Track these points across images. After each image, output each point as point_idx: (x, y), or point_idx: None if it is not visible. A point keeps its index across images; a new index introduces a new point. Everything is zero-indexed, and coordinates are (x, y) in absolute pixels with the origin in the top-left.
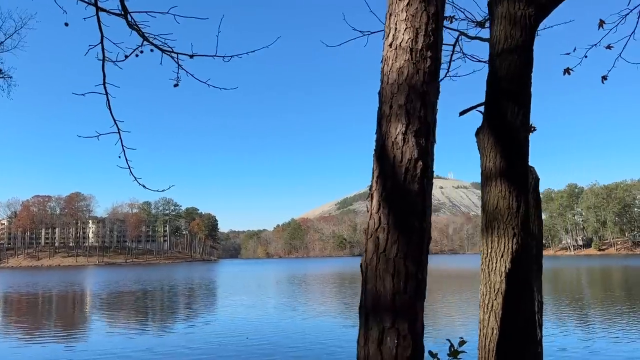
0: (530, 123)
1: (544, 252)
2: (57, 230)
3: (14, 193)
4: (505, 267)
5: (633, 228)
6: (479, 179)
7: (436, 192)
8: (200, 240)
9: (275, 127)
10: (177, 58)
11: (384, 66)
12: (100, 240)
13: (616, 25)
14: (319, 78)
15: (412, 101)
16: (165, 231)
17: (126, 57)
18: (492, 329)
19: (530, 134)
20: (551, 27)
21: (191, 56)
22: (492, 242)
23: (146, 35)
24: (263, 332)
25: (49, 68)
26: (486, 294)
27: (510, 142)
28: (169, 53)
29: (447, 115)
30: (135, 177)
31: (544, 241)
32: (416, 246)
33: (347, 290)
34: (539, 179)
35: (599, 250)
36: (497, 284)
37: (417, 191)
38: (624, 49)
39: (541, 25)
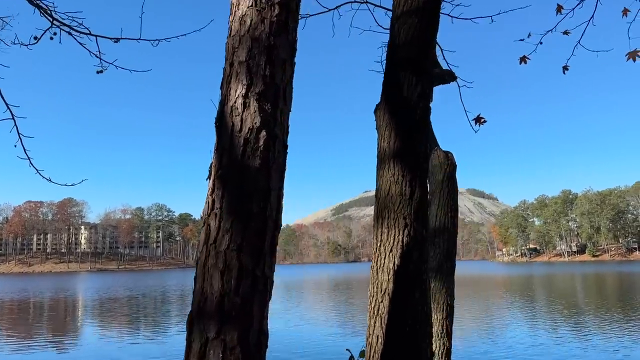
0: (480, 114)
1: (538, 259)
2: (49, 236)
3: (5, 198)
4: (394, 264)
5: (627, 234)
6: (474, 186)
7: None
8: (193, 246)
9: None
10: (97, 41)
11: (229, 16)
12: (92, 247)
13: (572, 10)
14: (315, 81)
15: (254, 57)
16: (158, 237)
17: (36, 39)
18: (377, 337)
19: (480, 125)
20: (506, 12)
21: (116, 40)
22: (381, 235)
23: (57, 17)
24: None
25: None
26: (373, 296)
27: (406, 119)
28: (85, 35)
29: (443, 120)
30: (37, 169)
31: (537, 247)
32: (255, 236)
33: (340, 297)
34: (455, 166)
35: (593, 256)
36: (385, 284)
37: (259, 167)
38: (582, 35)
39: (497, 11)
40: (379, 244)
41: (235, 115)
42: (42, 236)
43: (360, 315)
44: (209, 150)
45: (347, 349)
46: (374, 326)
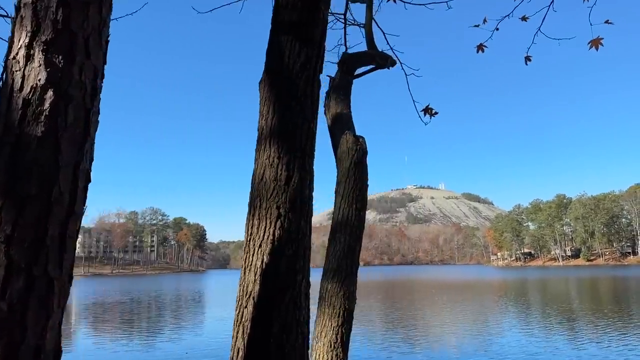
0: (429, 105)
1: (532, 263)
2: None
3: None
4: (263, 262)
5: (621, 239)
6: (470, 190)
7: (427, 203)
8: (188, 250)
9: None
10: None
11: None
12: (86, 251)
13: None
14: None
15: None
16: (152, 241)
17: None
18: (239, 349)
19: (431, 117)
20: None
21: None
22: (251, 228)
23: None
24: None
25: None
26: (238, 300)
27: (286, 91)
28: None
29: (440, 127)
30: None
31: (532, 251)
32: (32, 224)
33: None
34: (365, 152)
35: (588, 260)
36: (251, 285)
37: (41, 137)
38: (543, 21)
39: None
40: (248, 239)
41: (16, 71)
42: None
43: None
44: (206, 156)
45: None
46: (236, 336)
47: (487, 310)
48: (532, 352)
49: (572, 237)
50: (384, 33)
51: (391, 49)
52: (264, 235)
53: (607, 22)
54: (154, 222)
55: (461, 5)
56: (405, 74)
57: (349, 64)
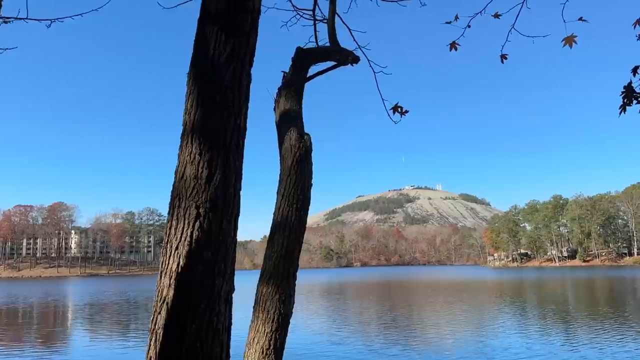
0: (398, 103)
1: (529, 264)
2: (38, 240)
3: None
4: (178, 265)
5: (617, 240)
6: (467, 191)
7: (424, 203)
8: None
9: (263, 136)
10: None
11: None
12: (82, 251)
13: None
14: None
15: None
16: (149, 242)
17: None
18: (151, 358)
19: (402, 115)
20: None
21: (5, 20)
22: (169, 229)
23: None
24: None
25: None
26: (154, 306)
27: (210, 83)
28: None
29: (436, 128)
30: None
31: (529, 252)
32: None
33: (333, 303)
34: (309, 150)
35: (584, 261)
36: (165, 290)
37: None
38: (516, 19)
39: None
40: (166, 241)
41: None
42: (31, 240)
43: (349, 322)
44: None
45: None
46: (149, 345)
47: (483, 311)
48: (527, 352)
49: (568, 238)
50: (349, 30)
51: (358, 46)
52: (181, 236)
53: (580, 19)
54: (151, 222)
55: (456, 5)
56: (374, 71)
57: (303, 60)
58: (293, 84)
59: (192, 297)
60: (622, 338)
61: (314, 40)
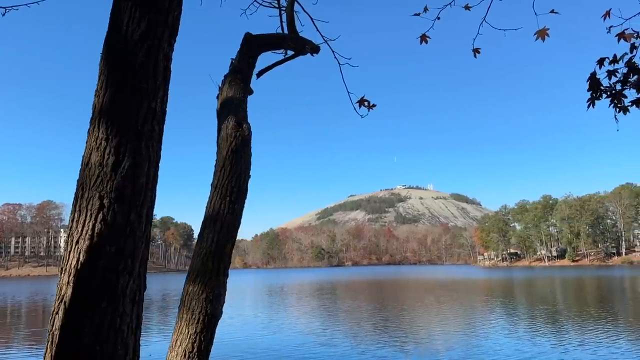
0: (364, 97)
1: (518, 263)
2: (27, 239)
3: None
4: (78, 261)
5: (606, 239)
6: (458, 191)
7: (416, 203)
8: (175, 250)
9: (255, 137)
10: None
11: None
12: None
13: None
14: (302, 87)
15: None
16: None
17: None
18: None
19: (369, 109)
20: None
21: None
22: (71, 221)
23: None
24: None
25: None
26: (53, 305)
27: (122, 63)
28: None
29: (428, 128)
30: None
31: (518, 252)
32: None
33: (320, 302)
34: (246, 139)
35: (573, 261)
36: (64, 288)
37: None
38: (488, 11)
39: None
40: (68, 235)
41: None
42: (20, 239)
43: (339, 323)
44: (191, 155)
45: None
46: (47, 347)
47: (473, 311)
48: (518, 353)
49: (557, 238)
50: (311, 19)
51: (322, 37)
52: (82, 229)
53: (552, 11)
54: None
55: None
56: (339, 63)
57: (251, 47)
58: (239, 72)
59: (91, 295)
60: (610, 336)
61: (281, 32)
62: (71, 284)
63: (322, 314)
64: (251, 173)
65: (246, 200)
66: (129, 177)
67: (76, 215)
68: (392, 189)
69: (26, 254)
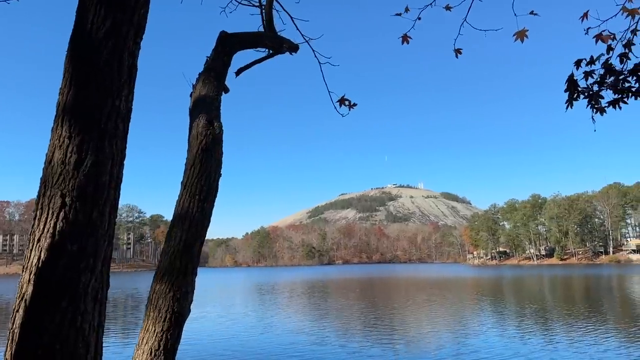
0: (345, 96)
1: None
2: (15, 237)
3: None
4: (39, 259)
5: (594, 238)
6: (449, 189)
7: (406, 202)
8: None
9: (249, 136)
10: None
11: None
12: None
13: None
14: (292, 87)
15: None
16: (128, 239)
17: None
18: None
19: (350, 108)
20: None
21: None
22: (34, 219)
23: None
24: (221, 347)
25: None
26: (15, 302)
27: (85, 61)
28: None
29: (419, 128)
30: None
31: (507, 250)
32: None
33: (310, 301)
34: (216, 138)
35: (561, 259)
36: (25, 286)
37: None
38: (469, 11)
39: None
40: (30, 233)
41: None
42: (8, 237)
43: (331, 321)
44: (181, 153)
45: None
46: (7, 345)
47: (464, 309)
48: (508, 351)
49: (546, 237)
50: (291, 17)
51: (302, 36)
52: (44, 228)
53: (532, 13)
54: (131, 219)
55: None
56: (319, 62)
57: (225, 45)
58: (214, 70)
59: (52, 293)
60: (598, 334)
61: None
62: (32, 282)
63: (313, 313)
64: (242, 171)
65: (236, 199)
66: (91, 176)
67: (38, 213)
68: (383, 188)
69: (14, 252)
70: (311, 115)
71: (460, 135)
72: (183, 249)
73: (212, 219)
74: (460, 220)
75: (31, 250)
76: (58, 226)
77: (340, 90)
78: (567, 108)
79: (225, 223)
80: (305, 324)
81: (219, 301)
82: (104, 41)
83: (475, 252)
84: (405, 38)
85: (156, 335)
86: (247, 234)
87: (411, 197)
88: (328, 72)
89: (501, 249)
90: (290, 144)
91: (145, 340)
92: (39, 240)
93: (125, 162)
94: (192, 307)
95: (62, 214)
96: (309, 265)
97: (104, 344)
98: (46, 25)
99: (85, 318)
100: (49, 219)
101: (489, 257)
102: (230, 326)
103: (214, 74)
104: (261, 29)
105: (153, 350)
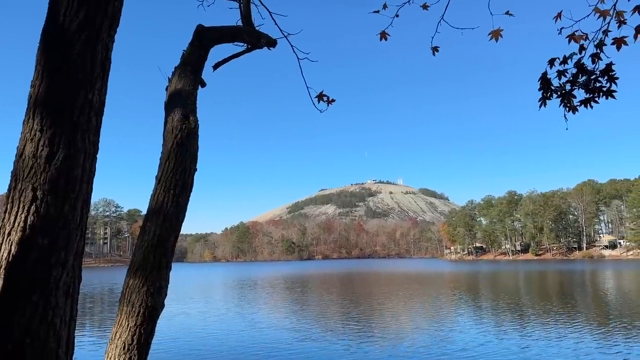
0: (322, 92)
1: (484, 257)
2: None
3: None
4: (10, 253)
5: (568, 234)
6: (427, 185)
7: (385, 197)
8: None
9: (228, 130)
10: None
11: None
12: None
13: None
14: (274, 81)
15: None
16: (105, 233)
17: None
18: None
19: (328, 104)
20: None
21: None
22: (4, 213)
23: None
24: (202, 343)
25: None
26: None
27: (59, 55)
28: None
29: (397, 124)
30: None
31: (484, 246)
32: None
33: (297, 296)
34: (192, 132)
35: (536, 255)
36: None
37: None
38: (446, 9)
39: None
40: (0, 227)
41: None
42: None
43: (315, 317)
44: (158, 147)
45: None
46: None
47: (442, 304)
48: (486, 342)
49: (521, 232)
50: (269, 12)
51: (281, 31)
52: (14, 221)
53: (507, 13)
54: (107, 213)
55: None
56: (298, 57)
57: (202, 39)
58: (190, 63)
59: (23, 288)
60: (569, 326)
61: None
62: (2, 277)
63: (294, 308)
64: (223, 166)
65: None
66: (63, 169)
67: (9, 206)
68: (362, 184)
69: None
70: (291, 111)
71: (439, 132)
72: (157, 243)
73: (191, 213)
74: (438, 216)
75: (1, 244)
76: (29, 220)
77: (319, 87)
78: (540, 106)
79: (204, 218)
80: (288, 319)
81: (199, 297)
82: (77, 33)
83: (452, 248)
84: (383, 35)
85: (129, 329)
86: (226, 229)
87: (390, 192)
88: (307, 68)
89: (478, 245)
90: (270, 139)
91: (118, 335)
92: (9, 234)
93: (104, 156)
94: (172, 303)
95: (33, 207)
96: (289, 260)
97: (80, 340)
98: (22, 10)
99: (56, 312)
100: (19, 213)
101: (466, 252)
102: (211, 323)
103: (191, 67)
104: (239, 24)
105: (126, 345)
